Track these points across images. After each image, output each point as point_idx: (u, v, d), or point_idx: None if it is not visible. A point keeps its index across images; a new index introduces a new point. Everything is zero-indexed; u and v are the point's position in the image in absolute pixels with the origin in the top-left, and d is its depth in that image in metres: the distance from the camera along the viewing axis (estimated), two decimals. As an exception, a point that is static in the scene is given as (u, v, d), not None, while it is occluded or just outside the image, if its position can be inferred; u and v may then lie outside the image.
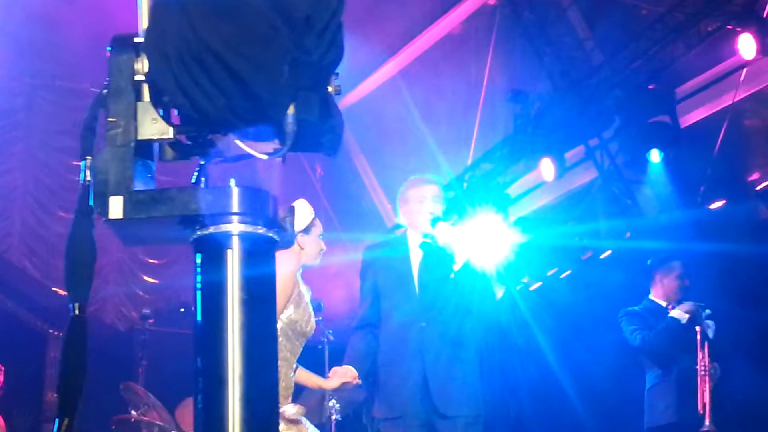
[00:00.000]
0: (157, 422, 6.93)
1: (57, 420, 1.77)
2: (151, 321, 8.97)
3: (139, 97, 1.72)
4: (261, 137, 1.69)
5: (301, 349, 4.55)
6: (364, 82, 11.52)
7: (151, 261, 11.96)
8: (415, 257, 4.90)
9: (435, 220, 4.85)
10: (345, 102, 11.93)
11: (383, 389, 4.86)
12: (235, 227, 1.68)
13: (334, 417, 6.77)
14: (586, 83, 8.70)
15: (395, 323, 4.82)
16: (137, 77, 1.72)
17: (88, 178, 1.72)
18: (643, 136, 8.23)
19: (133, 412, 7.13)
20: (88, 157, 1.74)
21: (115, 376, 8.07)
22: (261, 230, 1.69)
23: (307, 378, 4.67)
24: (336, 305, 8.52)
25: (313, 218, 4.65)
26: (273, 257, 1.74)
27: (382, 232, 10.99)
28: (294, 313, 4.43)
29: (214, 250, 1.68)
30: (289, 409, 4.30)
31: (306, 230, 4.58)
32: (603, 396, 8.13)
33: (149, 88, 1.71)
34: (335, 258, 11.12)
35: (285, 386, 4.39)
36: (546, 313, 8.28)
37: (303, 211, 4.65)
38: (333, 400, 6.84)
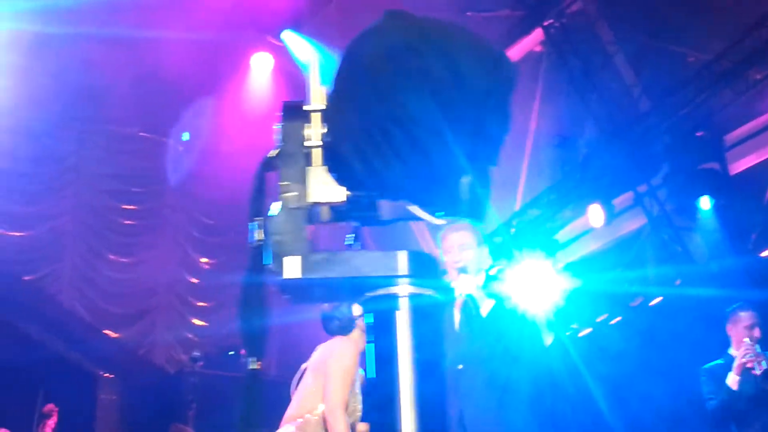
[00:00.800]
0: (209, 465, 6.97)
1: None
2: (200, 364, 9.04)
3: (308, 162, 1.80)
4: (428, 203, 1.78)
5: None
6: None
7: (200, 304, 12.07)
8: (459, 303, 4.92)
9: (462, 270, 4.90)
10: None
11: None
12: (405, 289, 1.76)
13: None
14: (633, 129, 8.71)
15: None
16: (307, 143, 1.80)
17: (258, 237, 1.81)
18: (693, 182, 8.22)
19: (184, 454, 7.17)
20: (258, 219, 1.82)
21: (165, 418, 8.14)
22: (429, 292, 1.77)
23: None
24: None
25: None
26: (441, 317, 1.86)
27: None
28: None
29: (385, 311, 1.77)
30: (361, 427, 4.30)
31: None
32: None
33: (326, 153, 1.79)
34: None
35: None
36: (597, 360, 8.23)
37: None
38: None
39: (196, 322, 11.99)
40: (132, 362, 11.09)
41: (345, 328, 4.73)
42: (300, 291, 1.85)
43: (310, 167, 1.80)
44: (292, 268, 1.76)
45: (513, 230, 9.46)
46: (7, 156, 10.96)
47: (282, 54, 11.81)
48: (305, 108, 1.81)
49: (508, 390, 4.74)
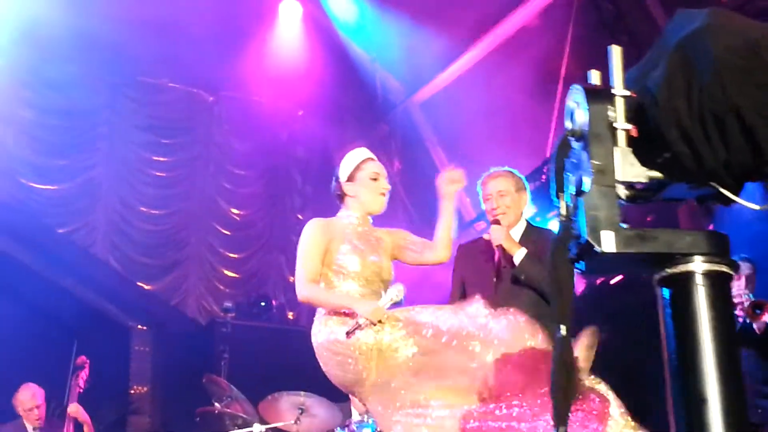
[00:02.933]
0: (241, 414, 7.00)
1: (555, 429, 2.09)
2: (232, 315, 9.09)
3: (615, 142, 1.95)
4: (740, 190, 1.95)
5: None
6: (440, 75, 11.52)
7: (231, 255, 12.12)
8: (496, 254, 4.93)
9: (500, 216, 4.94)
10: (422, 94, 11.95)
11: None
12: (702, 266, 1.93)
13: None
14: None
15: None
16: (615, 124, 1.95)
17: (564, 212, 2.01)
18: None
19: (216, 404, 7.20)
20: (562, 194, 2.04)
21: (197, 369, 8.20)
22: (724, 268, 1.94)
23: None
24: (414, 294, 8.54)
25: (360, 162, 4.60)
26: (731, 292, 2.07)
27: (461, 226, 10.97)
28: (361, 268, 4.38)
29: (683, 287, 1.94)
30: (390, 293, 4.17)
31: (351, 177, 4.58)
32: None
33: (646, 136, 1.94)
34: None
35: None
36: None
37: (348, 159, 4.64)
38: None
39: (228, 273, 12.06)
40: (164, 314, 11.17)
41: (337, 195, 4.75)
42: (610, 264, 2.05)
43: (616, 147, 1.95)
44: (608, 241, 1.91)
45: (544, 177, 9.38)
46: (37, 110, 11.01)
47: (310, 2, 11.71)
48: (613, 91, 1.97)
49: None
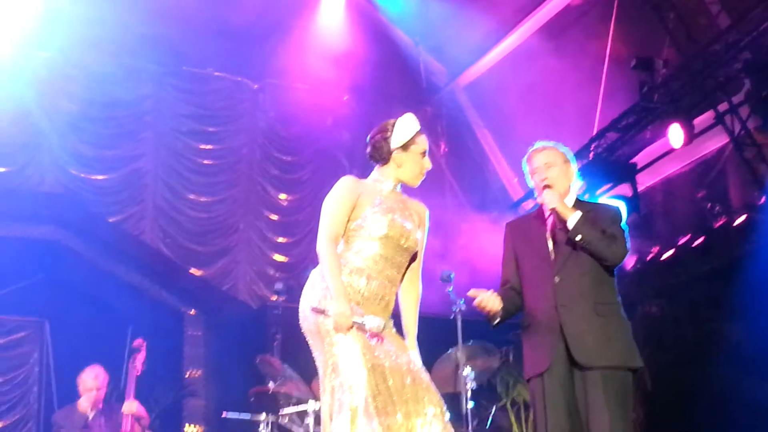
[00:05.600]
0: (295, 393, 7.09)
1: None
2: (283, 298, 9.15)
3: None
4: None
5: (406, 264, 4.54)
6: (485, 57, 11.52)
7: (279, 240, 12.20)
8: (549, 220, 4.91)
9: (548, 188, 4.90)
10: (467, 77, 11.96)
11: (527, 348, 4.91)
12: None
13: (468, 385, 6.83)
14: (712, 47, 8.50)
15: (533, 284, 4.87)
16: None
17: None
18: (776, 98, 8.00)
19: (270, 384, 7.29)
20: None
21: (250, 352, 8.29)
22: None
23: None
24: (464, 276, 8.59)
25: (415, 135, 4.55)
26: None
27: (508, 205, 10.98)
28: (388, 230, 4.44)
29: None
30: (370, 321, 4.25)
31: (405, 147, 4.55)
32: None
33: None
34: (462, 230, 11.24)
35: (387, 301, 4.42)
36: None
37: (404, 126, 4.56)
38: (468, 369, 6.90)
39: (277, 257, 12.14)
40: (216, 299, 11.29)
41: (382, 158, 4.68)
42: None
43: None
44: None
45: (591, 155, 9.36)
46: (83, 102, 11.14)
47: (353, -12, 11.76)
48: None
49: (597, 297, 4.76)
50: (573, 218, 4.73)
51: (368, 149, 4.64)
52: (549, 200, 4.81)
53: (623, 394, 4.63)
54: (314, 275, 4.48)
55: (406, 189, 4.72)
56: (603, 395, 4.57)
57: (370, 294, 4.38)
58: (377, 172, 4.65)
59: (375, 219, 4.44)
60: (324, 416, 4.30)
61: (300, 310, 4.50)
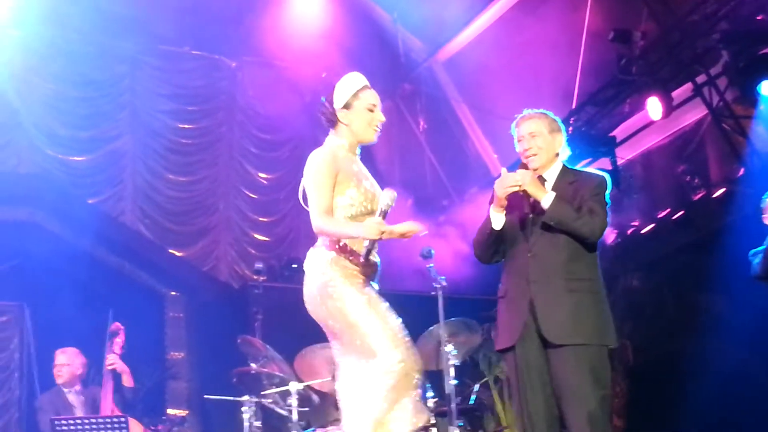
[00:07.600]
0: (277, 373, 7.07)
1: None
2: (264, 277, 9.11)
3: None
4: None
5: None
6: (463, 32, 11.46)
7: (261, 219, 12.17)
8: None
9: (533, 157, 4.85)
10: (445, 52, 11.90)
11: (499, 321, 4.90)
12: None
13: (451, 362, 6.82)
14: (690, 18, 8.47)
15: (510, 256, 4.84)
16: None
17: None
18: (753, 69, 7.96)
19: (252, 364, 7.27)
20: None
21: (232, 333, 8.26)
22: None
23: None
24: (445, 253, 8.58)
25: (357, 91, 4.48)
26: None
27: (488, 181, 10.95)
28: (356, 194, 4.41)
29: None
30: (384, 199, 4.29)
31: (347, 105, 4.48)
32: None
33: None
34: (442, 206, 11.23)
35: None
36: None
37: (343, 86, 4.50)
38: (450, 346, 6.89)
39: (258, 237, 12.11)
40: (197, 279, 11.25)
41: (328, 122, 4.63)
42: None
43: None
44: None
45: (570, 129, 9.34)
46: (58, 82, 11.05)
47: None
48: None
49: (570, 273, 4.73)
50: (546, 200, 4.68)
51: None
52: (521, 180, 4.73)
53: (597, 370, 4.59)
54: (313, 257, 4.44)
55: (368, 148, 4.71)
56: (576, 373, 4.54)
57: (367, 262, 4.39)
58: (332, 135, 4.58)
59: (352, 190, 4.42)
60: (347, 383, 4.37)
61: (305, 293, 4.42)
